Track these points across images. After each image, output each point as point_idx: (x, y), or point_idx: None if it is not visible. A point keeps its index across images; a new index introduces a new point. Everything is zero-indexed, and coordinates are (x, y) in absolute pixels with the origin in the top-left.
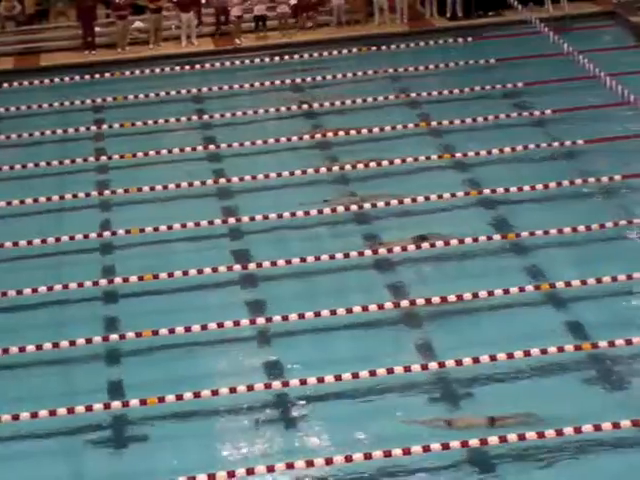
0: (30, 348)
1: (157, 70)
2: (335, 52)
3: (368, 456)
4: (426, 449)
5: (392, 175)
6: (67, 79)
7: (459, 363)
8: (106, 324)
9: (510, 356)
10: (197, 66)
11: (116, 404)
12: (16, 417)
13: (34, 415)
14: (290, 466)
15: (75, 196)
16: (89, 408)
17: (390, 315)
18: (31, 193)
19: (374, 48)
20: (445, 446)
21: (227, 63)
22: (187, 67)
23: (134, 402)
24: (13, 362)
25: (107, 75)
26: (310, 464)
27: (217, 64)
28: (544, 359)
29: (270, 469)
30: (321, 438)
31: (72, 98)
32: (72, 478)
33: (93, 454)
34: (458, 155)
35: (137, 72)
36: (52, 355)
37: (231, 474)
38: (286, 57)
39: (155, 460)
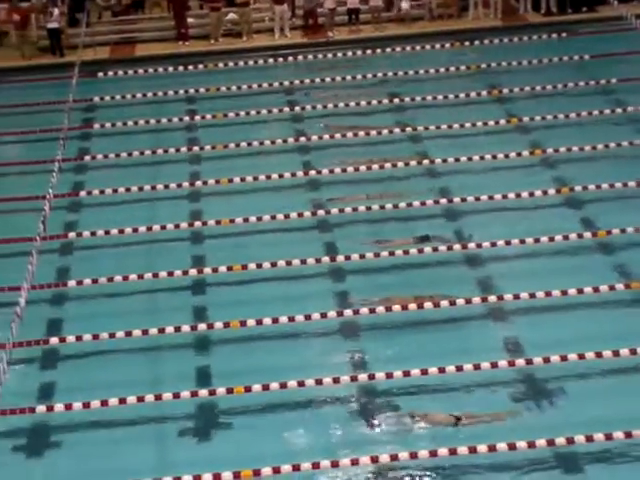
0: (120, 334)
1: (250, 62)
2: (427, 46)
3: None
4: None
5: (480, 171)
6: (161, 69)
7: (547, 360)
8: (195, 313)
9: (599, 355)
10: (290, 58)
11: (203, 392)
12: (105, 403)
13: (122, 401)
14: (374, 460)
15: (167, 186)
16: (176, 395)
17: (478, 310)
18: (124, 182)
19: (467, 43)
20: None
21: (319, 56)
22: (279, 59)
23: (221, 390)
24: (103, 348)
25: (200, 66)
26: (394, 458)
27: (310, 57)
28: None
29: (354, 462)
30: (404, 430)
31: (166, 88)
32: (158, 464)
33: (179, 441)
34: (549, 151)
35: (230, 64)
36: (141, 342)
37: (316, 465)
38: (378, 51)
39: (239, 449)
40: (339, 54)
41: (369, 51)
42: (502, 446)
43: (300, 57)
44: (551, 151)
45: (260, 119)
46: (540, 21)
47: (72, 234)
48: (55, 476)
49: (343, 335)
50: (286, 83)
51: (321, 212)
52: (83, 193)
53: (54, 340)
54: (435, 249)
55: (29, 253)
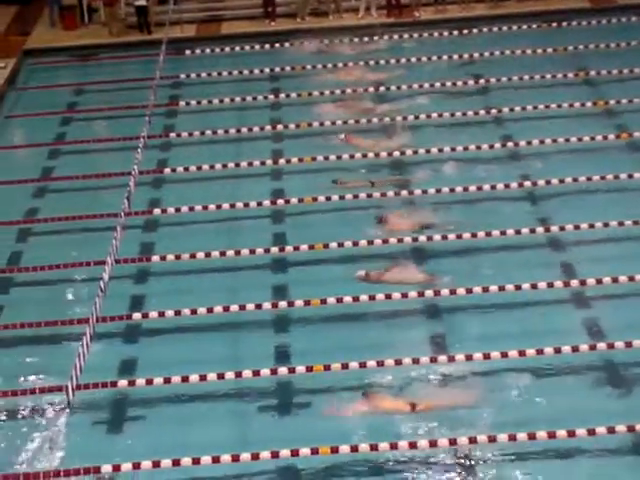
0: (201, 311)
1: (336, 41)
2: (514, 27)
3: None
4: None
5: (567, 154)
6: (247, 47)
7: (628, 345)
8: (275, 291)
9: None
10: (375, 38)
11: (282, 370)
12: (185, 379)
13: (203, 378)
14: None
15: (250, 164)
16: (256, 373)
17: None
18: (208, 159)
19: (554, 24)
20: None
21: (405, 36)
22: (365, 39)
23: (300, 369)
24: (184, 324)
25: (286, 45)
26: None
27: (395, 37)
28: None
29: (432, 443)
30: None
31: (251, 67)
32: (238, 441)
33: (258, 418)
34: (636, 135)
35: (321, 41)
36: (222, 319)
37: (394, 445)
38: (465, 31)
39: (318, 428)
40: (425, 34)
41: (455, 32)
42: (581, 432)
43: (385, 37)
44: (638, 135)
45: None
46: (629, 3)
47: (156, 210)
48: (135, 450)
49: (427, 315)
50: (371, 63)
51: (404, 192)
52: (167, 170)
53: (137, 315)
54: (518, 232)
55: (114, 229)
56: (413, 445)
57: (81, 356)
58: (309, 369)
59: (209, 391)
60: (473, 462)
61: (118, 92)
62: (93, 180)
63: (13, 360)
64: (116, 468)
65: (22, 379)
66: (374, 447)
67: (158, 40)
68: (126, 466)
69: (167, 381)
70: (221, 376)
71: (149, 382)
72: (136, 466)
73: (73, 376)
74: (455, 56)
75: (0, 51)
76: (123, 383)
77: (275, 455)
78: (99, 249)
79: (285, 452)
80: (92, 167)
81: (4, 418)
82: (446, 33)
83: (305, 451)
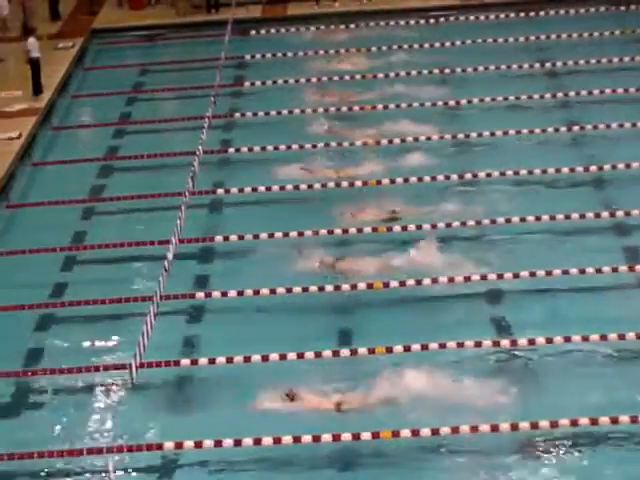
0: (264, 292)
1: (401, 22)
2: (582, 10)
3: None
4: None
5: (632, 139)
6: (313, 29)
7: None
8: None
9: None
10: (441, 20)
11: (345, 352)
12: (247, 359)
13: (265, 358)
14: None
15: (314, 146)
16: (318, 354)
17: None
18: (272, 140)
19: (622, 8)
20: None
21: (471, 18)
22: (431, 21)
23: (362, 351)
24: (247, 305)
25: (352, 26)
26: None
27: (462, 18)
28: None
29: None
30: None
31: (314, 47)
32: (294, 424)
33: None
34: None
35: (382, 23)
36: (285, 300)
37: (435, 431)
38: (531, 14)
39: (379, 411)
40: (491, 16)
41: (522, 14)
42: None
43: (452, 18)
44: None
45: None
46: None
47: (220, 190)
48: (197, 429)
49: (486, 299)
50: (437, 45)
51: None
52: (232, 150)
53: (200, 295)
54: (582, 216)
55: (178, 208)
56: None
57: (145, 334)
58: (371, 351)
59: (270, 371)
60: None
61: (183, 72)
62: (158, 159)
63: (77, 338)
64: (178, 445)
65: (86, 357)
66: (415, 432)
67: (224, 20)
68: (188, 444)
69: (229, 360)
70: (283, 357)
71: (212, 361)
72: (198, 445)
73: (137, 354)
74: (521, 38)
75: (68, 31)
76: (186, 362)
77: (336, 438)
78: (163, 228)
79: (367, 435)
80: (157, 147)
81: (69, 394)
82: (512, 15)
83: (366, 435)
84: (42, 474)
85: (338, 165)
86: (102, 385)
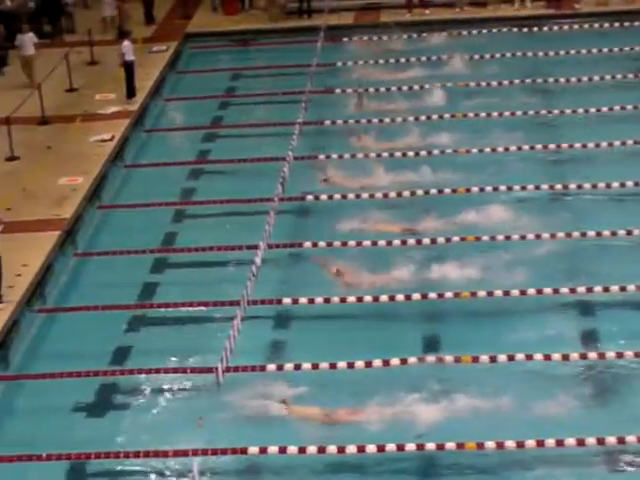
0: (351, 299)
1: (494, 30)
2: None
3: None
4: None
5: None
6: (404, 36)
7: None
8: (423, 282)
9: None
10: (535, 29)
11: (430, 358)
12: (333, 365)
13: (350, 365)
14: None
15: (405, 154)
16: (404, 361)
17: None
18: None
19: None
20: None
21: (565, 27)
22: (524, 30)
23: (449, 358)
24: (333, 312)
25: (444, 34)
26: None
27: (555, 27)
28: None
29: (580, 442)
30: None
31: (407, 55)
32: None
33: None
34: None
35: (474, 32)
36: (375, 309)
37: (521, 444)
38: (626, 24)
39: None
40: (585, 26)
41: (617, 24)
42: None
43: (546, 28)
44: None
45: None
46: None
47: (310, 197)
48: (279, 434)
49: (575, 311)
50: (529, 54)
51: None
52: (322, 157)
53: (287, 300)
54: None
55: (267, 213)
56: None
57: (231, 338)
58: (457, 359)
59: (358, 378)
60: None
61: (274, 78)
62: (248, 164)
63: (164, 339)
64: (263, 450)
65: (173, 358)
66: (520, 444)
67: (316, 27)
68: (272, 449)
69: (315, 367)
70: (369, 364)
71: (297, 367)
72: (282, 450)
73: (223, 358)
74: (616, 49)
75: (162, 35)
76: (272, 367)
77: (420, 447)
78: (252, 233)
79: (431, 445)
80: (247, 151)
81: (154, 396)
82: (607, 25)
83: (451, 445)
84: (126, 474)
85: (437, 171)
86: (188, 388)
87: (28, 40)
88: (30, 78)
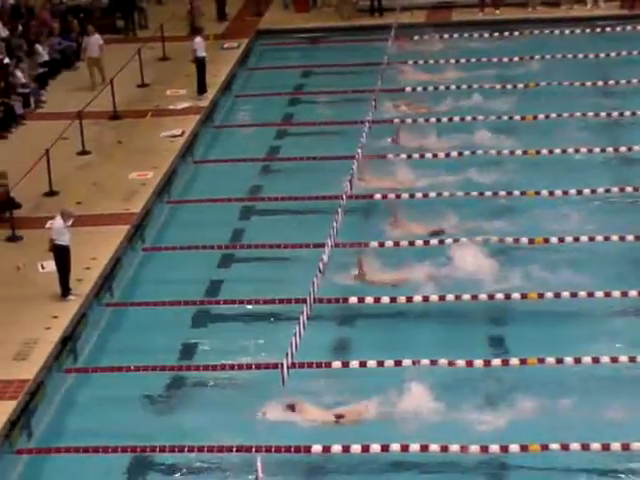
0: (417, 298)
1: (566, 32)
2: None
3: None
4: None
5: None
6: (476, 35)
7: None
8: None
9: None
10: (607, 29)
11: (496, 362)
12: (398, 363)
13: (415, 362)
14: None
15: (474, 153)
16: (469, 363)
17: None
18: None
19: None
20: None
21: (638, 28)
22: (597, 30)
23: (514, 361)
24: (401, 310)
25: (516, 34)
26: None
27: (628, 27)
28: None
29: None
30: None
31: (479, 55)
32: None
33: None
34: None
35: (546, 31)
36: (436, 307)
37: (586, 446)
38: None
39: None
40: None
41: None
42: None
43: (618, 28)
44: None
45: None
46: None
47: (377, 195)
48: (343, 433)
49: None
50: (602, 55)
51: None
52: (390, 156)
53: (353, 299)
54: None
55: (335, 212)
56: None
57: (297, 335)
58: (523, 361)
59: (424, 375)
60: None
61: (345, 75)
62: (317, 162)
63: (230, 335)
64: (326, 450)
65: (238, 354)
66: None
67: (387, 25)
68: (336, 448)
69: (380, 364)
70: (434, 362)
71: (362, 364)
72: (345, 449)
73: (289, 354)
74: None
75: (234, 31)
76: (337, 364)
77: (484, 450)
78: (319, 231)
79: (494, 447)
80: (316, 149)
81: (219, 391)
82: None
83: (514, 448)
84: (190, 469)
85: (506, 173)
86: (252, 384)
87: (94, 42)
88: (101, 75)
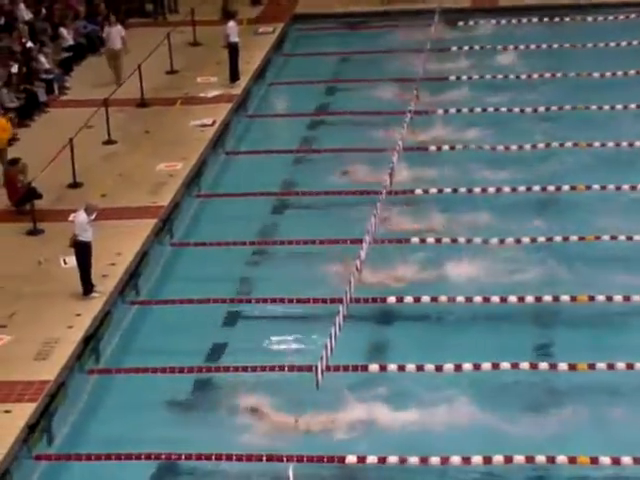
0: (460, 299)
1: (621, 17)
2: None
3: None
4: None
5: None
6: (524, 20)
7: None
8: (540, 285)
9: None
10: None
11: (543, 365)
12: (439, 368)
13: (458, 367)
14: None
15: (520, 147)
16: (515, 365)
17: None
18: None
19: None
20: None
21: None
22: None
23: (562, 366)
24: (440, 312)
25: (567, 19)
26: None
27: None
28: None
29: None
30: None
31: (527, 42)
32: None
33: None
34: None
35: (599, 18)
36: (484, 309)
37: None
38: None
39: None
40: None
41: None
42: None
43: None
44: None
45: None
46: None
47: (418, 190)
48: (379, 440)
49: None
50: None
51: None
52: (433, 148)
53: (391, 299)
54: None
55: (373, 206)
56: None
57: (332, 337)
58: (572, 367)
59: (470, 380)
60: None
61: (384, 62)
62: (354, 154)
63: (262, 335)
64: (361, 460)
65: (270, 356)
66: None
67: (430, 10)
68: (372, 459)
69: (420, 369)
70: (477, 367)
71: (401, 368)
72: (382, 460)
73: (323, 356)
74: None
75: (269, 16)
76: (374, 367)
77: (551, 460)
78: (356, 226)
79: (544, 458)
80: (353, 140)
81: (250, 395)
82: None
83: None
84: (219, 477)
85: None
86: (285, 386)
87: (116, 33)
88: (116, 74)
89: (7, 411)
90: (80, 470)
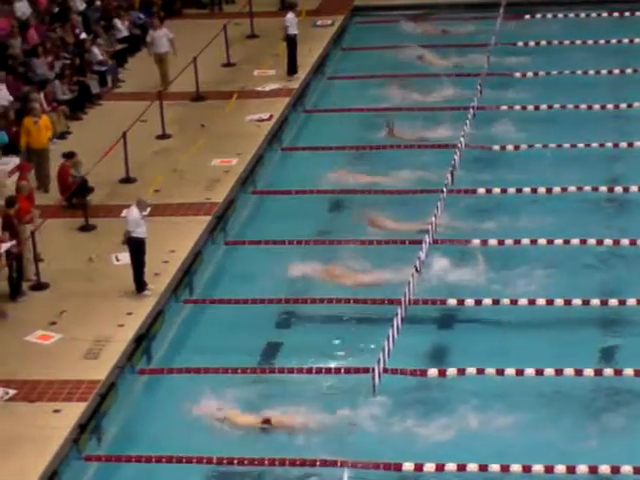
0: (522, 302)
1: None
2: None
3: None
4: None
5: None
6: (594, 15)
7: None
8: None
9: None
10: None
11: (608, 371)
12: (500, 372)
13: (519, 372)
14: None
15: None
16: (579, 372)
17: None
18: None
19: None
20: None
21: None
22: None
23: (628, 372)
24: (501, 315)
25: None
26: None
27: None
28: None
29: None
30: None
31: (597, 37)
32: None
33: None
34: None
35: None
36: (544, 313)
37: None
38: None
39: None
40: None
41: None
42: None
43: None
44: None
45: None
46: None
47: (481, 190)
48: (438, 449)
49: None
50: None
51: None
52: (496, 147)
53: (452, 301)
54: None
55: (435, 206)
56: None
57: (390, 339)
58: (637, 373)
59: (530, 386)
60: None
61: (448, 56)
62: (415, 150)
63: (318, 337)
64: (418, 468)
65: (326, 358)
66: None
67: (496, 2)
68: (429, 466)
69: (480, 372)
70: (540, 372)
71: (461, 372)
72: (440, 468)
73: (381, 359)
74: None
75: (329, 7)
76: (433, 372)
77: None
78: (414, 226)
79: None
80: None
81: (305, 398)
82: None
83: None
84: None
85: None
86: (341, 389)
87: (161, 36)
88: (163, 78)
89: (56, 410)
90: (131, 472)
